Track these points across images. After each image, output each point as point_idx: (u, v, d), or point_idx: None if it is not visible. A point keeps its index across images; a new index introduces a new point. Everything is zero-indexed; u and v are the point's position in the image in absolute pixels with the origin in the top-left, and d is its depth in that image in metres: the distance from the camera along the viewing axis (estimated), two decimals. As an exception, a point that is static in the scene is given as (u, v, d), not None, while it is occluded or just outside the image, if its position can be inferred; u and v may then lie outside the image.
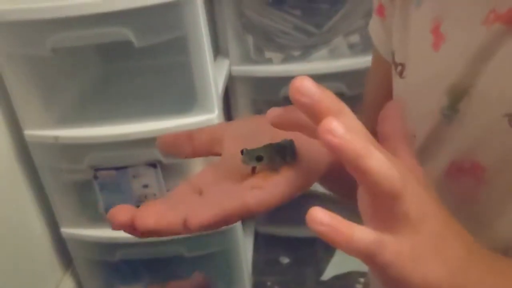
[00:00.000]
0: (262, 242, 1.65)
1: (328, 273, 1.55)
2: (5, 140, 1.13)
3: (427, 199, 0.32)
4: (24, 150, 1.16)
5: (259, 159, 0.37)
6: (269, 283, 1.56)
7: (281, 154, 0.38)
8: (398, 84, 0.50)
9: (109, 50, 1.29)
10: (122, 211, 0.34)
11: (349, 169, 0.27)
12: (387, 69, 0.53)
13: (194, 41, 1.03)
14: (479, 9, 0.40)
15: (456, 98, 0.42)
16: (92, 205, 1.26)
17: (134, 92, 1.26)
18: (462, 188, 0.44)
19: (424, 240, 0.30)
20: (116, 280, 1.42)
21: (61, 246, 1.31)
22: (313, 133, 0.32)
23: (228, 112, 1.46)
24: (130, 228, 0.33)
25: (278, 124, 0.34)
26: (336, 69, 1.29)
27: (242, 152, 0.38)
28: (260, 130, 0.41)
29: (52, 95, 1.18)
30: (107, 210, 1.24)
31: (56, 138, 1.11)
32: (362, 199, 0.31)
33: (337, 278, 1.52)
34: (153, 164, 1.16)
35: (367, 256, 0.28)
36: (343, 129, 0.26)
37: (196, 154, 0.43)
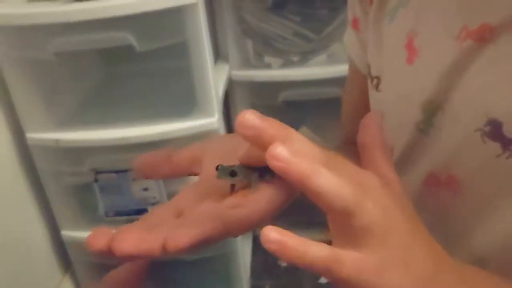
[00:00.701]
0: (260, 246, 1.65)
1: (326, 276, 1.55)
2: (7, 143, 1.14)
3: (394, 211, 0.32)
4: (25, 152, 1.17)
5: (232, 174, 0.37)
6: (267, 287, 1.57)
7: (259, 172, 0.38)
8: (374, 97, 0.51)
9: (111, 54, 1.30)
10: (100, 236, 0.33)
11: (302, 191, 0.28)
12: (364, 81, 0.53)
13: (195, 46, 1.04)
14: (452, 25, 0.40)
15: (431, 113, 0.43)
16: (92, 207, 1.26)
17: (135, 96, 1.27)
18: (438, 200, 0.45)
19: (390, 253, 0.30)
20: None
21: (61, 248, 1.31)
22: None
23: (228, 116, 1.47)
24: (108, 252, 0.32)
25: (247, 160, 0.36)
26: (334, 74, 1.30)
27: (217, 168, 0.37)
28: (240, 148, 0.40)
29: (54, 99, 1.19)
30: (107, 213, 1.26)
31: (57, 141, 1.12)
32: (328, 219, 0.31)
33: (335, 281, 1.53)
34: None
35: (324, 271, 0.29)
36: (287, 153, 0.27)
37: (175, 174, 0.42)
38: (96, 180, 1.21)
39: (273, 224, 0.29)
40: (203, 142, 0.45)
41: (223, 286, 1.45)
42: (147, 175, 0.42)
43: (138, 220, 0.38)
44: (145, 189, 1.21)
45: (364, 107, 0.52)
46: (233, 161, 0.39)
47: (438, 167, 0.44)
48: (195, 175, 0.43)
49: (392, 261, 0.30)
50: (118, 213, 1.25)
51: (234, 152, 0.41)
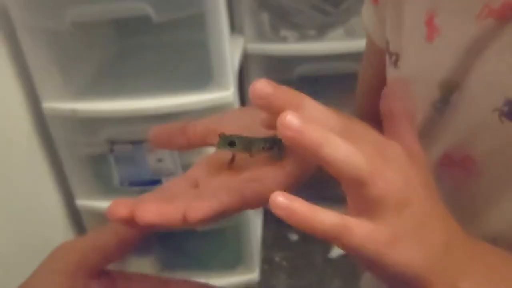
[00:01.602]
0: (271, 219, 1.67)
1: (336, 250, 1.57)
2: (23, 112, 1.15)
3: (416, 183, 0.31)
4: (41, 122, 1.18)
5: (231, 144, 0.37)
6: (277, 259, 1.59)
7: (269, 147, 0.38)
8: (392, 73, 0.50)
9: (128, 26, 1.30)
10: (122, 206, 0.33)
11: (314, 161, 0.28)
12: (381, 57, 0.53)
13: (212, 18, 1.03)
14: (473, 3, 0.39)
15: (448, 92, 0.42)
16: (107, 178, 1.28)
17: (151, 68, 1.27)
18: (453, 179, 0.44)
19: (404, 226, 0.30)
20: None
21: (76, 217, 1.33)
22: None
23: (242, 90, 1.47)
24: (130, 222, 0.33)
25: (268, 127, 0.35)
26: (351, 49, 1.28)
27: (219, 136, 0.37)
28: (257, 122, 0.40)
29: (71, 69, 1.19)
30: (122, 183, 1.27)
31: (73, 111, 1.13)
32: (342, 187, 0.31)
33: (344, 255, 1.54)
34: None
35: (333, 238, 0.29)
36: (297, 121, 0.26)
37: (190, 145, 0.42)
38: (111, 151, 1.22)
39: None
40: (219, 114, 0.45)
41: (234, 258, 1.47)
42: (162, 145, 0.42)
43: (155, 190, 0.38)
44: (160, 160, 1.22)
45: (380, 83, 0.51)
46: (249, 134, 0.39)
47: (453, 147, 0.43)
48: (211, 145, 0.43)
49: (405, 234, 0.30)
50: (133, 184, 1.26)
51: (251, 125, 0.41)
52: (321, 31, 1.34)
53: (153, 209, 0.33)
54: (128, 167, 1.24)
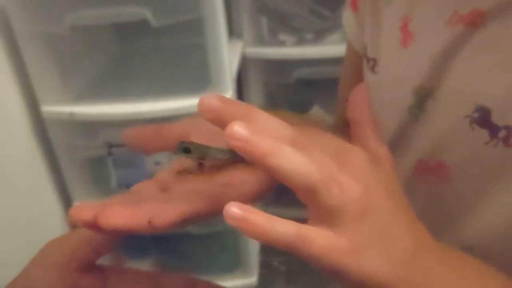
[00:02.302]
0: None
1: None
2: (22, 115, 1.15)
3: (377, 189, 0.30)
4: (40, 125, 1.18)
5: (186, 151, 0.37)
6: (275, 263, 1.59)
7: (227, 158, 0.37)
8: (369, 79, 0.50)
9: (127, 30, 1.30)
10: (85, 209, 0.32)
11: (264, 171, 0.27)
12: (360, 62, 0.53)
13: (210, 23, 1.04)
14: (444, 9, 0.40)
15: (423, 98, 0.42)
16: (105, 180, 1.28)
17: (150, 72, 1.28)
18: (428, 186, 0.44)
19: (367, 233, 0.29)
20: (125, 255, 1.45)
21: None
22: None
23: (241, 94, 1.47)
24: (94, 226, 0.32)
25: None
26: (349, 53, 1.29)
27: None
28: None
29: (69, 73, 1.19)
30: (119, 186, 1.27)
31: (71, 114, 1.13)
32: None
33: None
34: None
35: (291, 249, 0.28)
36: (244, 130, 0.26)
37: (164, 148, 0.41)
38: (109, 154, 1.22)
39: (264, 203, 0.29)
40: (196, 117, 0.44)
41: (232, 262, 1.47)
42: (137, 148, 0.42)
43: (123, 194, 0.37)
44: (158, 163, 1.22)
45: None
46: (221, 139, 0.38)
47: (427, 153, 0.44)
48: None
49: (369, 242, 0.29)
50: (130, 186, 1.26)
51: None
52: (319, 35, 1.35)
53: (118, 214, 0.31)
54: (126, 170, 1.24)
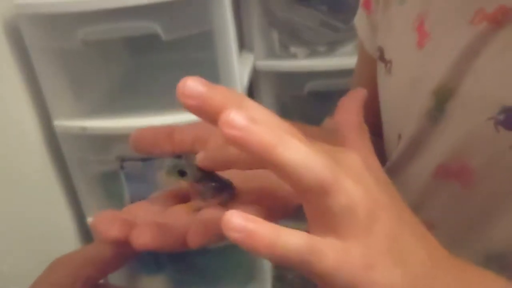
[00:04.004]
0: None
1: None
2: (35, 130, 1.16)
3: (379, 194, 0.27)
4: (53, 140, 1.18)
5: (182, 174, 0.33)
6: (290, 276, 1.57)
7: (218, 184, 0.34)
8: (385, 82, 0.49)
9: (138, 44, 1.31)
10: (112, 223, 0.30)
11: (265, 166, 0.23)
12: (372, 66, 0.52)
13: (220, 36, 1.04)
14: (466, 7, 0.39)
15: (443, 99, 0.40)
16: (117, 195, 1.28)
17: (161, 86, 1.27)
18: (449, 191, 0.42)
19: (377, 242, 0.26)
20: (139, 270, 1.44)
21: (86, 236, 1.33)
22: (250, 164, 0.29)
23: (252, 107, 1.46)
24: (123, 242, 0.30)
25: (208, 165, 0.31)
26: (361, 65, 1.28)
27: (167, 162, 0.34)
28: None
29: (82, 87, 1.20)
30: (132, 200, 1.27)
31: (83, 128, 1.14)
32: (300, 200, 0.26)
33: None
34: (178, 156, 1.18)
35: (300, 265, 0.24)
36: (244, 119, 0.22)
37: (175, 152, 0.38)
38: (122, 168, 1.22)
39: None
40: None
41: (246, 275, 1.46)
42: (144, 150, 0.38)
43: (151, 206, 0.35)
44: (170, 178, 1.22)
45: (372, 92, 0.51)
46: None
47: (449, 157, 0.41)
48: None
49: (380, 252, 0.26)
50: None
51: None
52: (331, 47, 1.35)
53: (151, 233, 0.30)
54: (138, 184, 1.24)
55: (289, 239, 0.24)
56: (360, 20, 0.56)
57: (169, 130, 0.39)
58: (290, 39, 1.36)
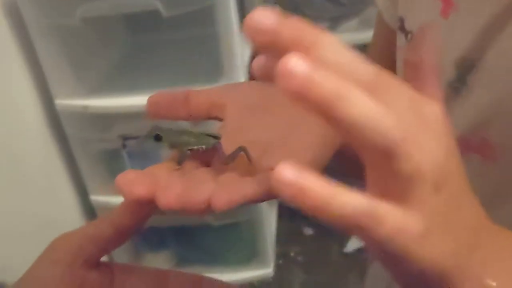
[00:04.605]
0: (286, 214, 1.67)
1: (351, 245, 1.56)
2: (37, 109, 1.15)
3: (452, 158, 0.25)
4: (55, 119, 1.18)
5: (157, 138, 0.34)
6: (292, 254, 1.58)
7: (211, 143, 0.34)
8: (403, 53, 0.47)
9: (138, 22, 1.30)
10: (138, 183, 0.30)
11: (327, 123, 0.21)
12: (391, 37, 0.50)
13: (221, 11, 1.03)
14: None
15: (465, 71, 0.39)
16: (120, 173, 1.28)
17: (162, 63, 1.27)
18: (470, 165, 0.41)
19: (438, 213, 0.24)
20: (143, 247, 1.46)
21: (90, 213, 1.34)
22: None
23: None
24: (148, 201, 0.30)
25: (261, 77, 0.27)
26: (366, 40, 1.24)
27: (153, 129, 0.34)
28: (270, 102, 0.36)
29: (82, 66, 1.19)
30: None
31: (85, 107, 1.13)
32: (362, 159, 0.24)
33: (360, 250, 1.53)
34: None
35: (356, 228, 0.22)
36: (305, 66, 0.19)
37: (191, 117, 0.37)
38: (124, 146, 1.22)
39: None
40: (225, 86, 0.41)
41: (249, 252, 1.47)
42: (160, 115, 0.38)
43: (175, 170, 0.35)
44: (173, 155, 1.22)
45: (389, 66, 0.50)
46: (260, 115, 0.35)
47: (470, 130, 0.40)
48: (214, 119, 0.39)
49: (438, 223, 0.24)
50: (146, 179, 1.26)
51: (263, 105, 0.37)
52: (335, 23, 1.33)
53: (176, 193, 0.30)
54: (141, 162, 1.24)
55: (346, 200, 0.21)
56: None
57: (185, 95, 0.38)
58: (293, 14, 1.34)
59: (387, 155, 0.21)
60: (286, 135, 0.37)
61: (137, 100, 1.12)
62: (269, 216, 1.49)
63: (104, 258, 0.36)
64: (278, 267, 1.51)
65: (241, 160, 0.35)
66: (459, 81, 0.40)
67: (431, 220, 0.24)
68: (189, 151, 0.34)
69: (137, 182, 0.31)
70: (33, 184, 1.12)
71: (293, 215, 1.67)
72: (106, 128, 1.20)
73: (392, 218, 0.23)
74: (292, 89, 0.19)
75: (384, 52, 0.53)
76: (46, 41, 1.07)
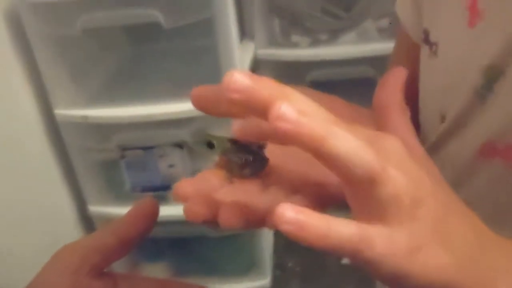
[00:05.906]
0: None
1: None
2: (36, 119, 1.16)
3: (422, 179, 0.28)
4: (54, 129, 1.18)
5: (210, 146, 0.34)
6: (290, 265, 1.58)
7: (252, 157, 0.34)
8: (429, 64, 0.48)
9: (138, 32, 1.30)
10: (198, 202, 0.31)
11: (315, 157, 0.24)
12: (413, 50, 0.51)
13: (221, 23, 1.03)
14: None
15: (493, 78, 0.40)
16: (119, 184, 1.28)
17: (162, 74, 1.27)
18: (491, 171, 0.42)
19: (422, 227, 0.26)
20: (140, 258, 1.45)
21: (88, 223, 1.34)
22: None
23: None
24: (209, 221, 0.31)
25: (242, 136, 0.31)
26: (364, 53, 1.26)
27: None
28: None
29: (82, 76, 1.20)
30: (133, 189, 1.27)
31: (85, 117, 1.13)
32: (345, 189, 0.27)
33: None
34: (179, 145, 1.18)
35: (351, 253, 0.25)
36: (295, 112, 0.22)
37: (232, 114, 0.37)
38: (123, 157, 1.22)
39: None
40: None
41: (246, 263, 1.46)
42: (204, 108, 0.36)
43: (223, 188, 0.35)
44: (171, 166, 1.22)
45: (411, 78, 0.50)
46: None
47: (495, 135, 0.41)
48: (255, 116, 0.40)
49: (426, 235, 0.26)
50: (144, 189, 1.27)
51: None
52: (333, 36, 1.34)
53: (236, 212, 0.31)
54: (139, 173, 1.24)
55: (341, 229, 0.24)
56: (402, 5, 0.55)
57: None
58: (292, 27, 1.35)
59: (368, 183, 0.24)
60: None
61: (137, 110, 1.13)
62: (267, 227, 1.49)
63: (103, 269, 0.36)
64: (275, 278, 1.51)
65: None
66: (486, 88, 0.41)
67: (418, 234, 0.26)
68: (240, 160, 0.35)
69: (199, 203, 0.32)
70: (31, 193, 1.12)
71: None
72: (105, 138, 1.20)
73: (381, 239, 0.25)
74: (285, 131, 0.22)
75: (403, 64, 0.54)
76: (46, 50, 1.08)
